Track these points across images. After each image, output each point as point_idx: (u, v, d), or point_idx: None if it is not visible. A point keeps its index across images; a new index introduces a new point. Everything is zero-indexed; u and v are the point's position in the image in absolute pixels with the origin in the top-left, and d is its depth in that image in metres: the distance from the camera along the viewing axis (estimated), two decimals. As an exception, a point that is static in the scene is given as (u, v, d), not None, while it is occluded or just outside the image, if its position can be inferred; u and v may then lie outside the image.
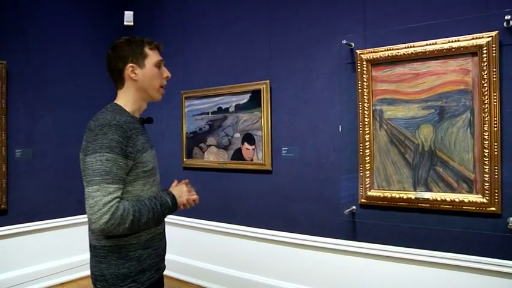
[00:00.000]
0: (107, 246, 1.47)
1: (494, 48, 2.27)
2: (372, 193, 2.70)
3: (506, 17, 2.21)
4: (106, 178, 1.35)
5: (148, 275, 1.54)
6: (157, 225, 1.58)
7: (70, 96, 3.93)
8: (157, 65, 1.63)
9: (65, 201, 3.83)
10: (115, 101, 1.60)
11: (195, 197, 1.71)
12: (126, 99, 1.59)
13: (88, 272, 3.72)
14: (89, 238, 1.55)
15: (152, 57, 1.61)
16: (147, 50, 1.60)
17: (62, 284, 3.73)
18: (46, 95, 3.77)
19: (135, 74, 1.57)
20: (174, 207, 1.59)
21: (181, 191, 1.66)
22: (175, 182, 1.75)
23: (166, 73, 1.68)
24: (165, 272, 1.75)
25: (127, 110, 1.57)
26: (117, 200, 1.35)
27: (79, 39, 4.02)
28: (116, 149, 1.38)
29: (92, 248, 1.53)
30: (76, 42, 4.00)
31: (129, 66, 1.56)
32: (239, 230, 3.41)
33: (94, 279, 1.52)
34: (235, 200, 3.48)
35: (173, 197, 1.59)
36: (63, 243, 3.81)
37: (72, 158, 3.84)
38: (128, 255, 1.48)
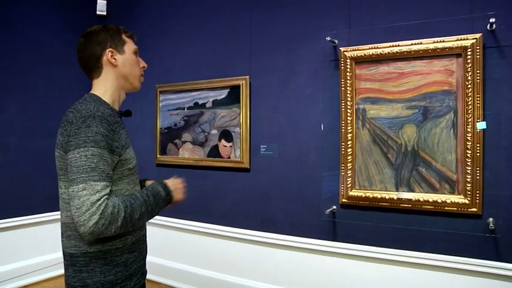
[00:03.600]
0: (90, 252, 1.33)
1: (478, 50, 2.28)
2: (354, 193, 2.67)
3: (491, 20, 2.22)
4: (92, 175, 1.23)
5: (134, 280, 1.44)
6: (150, 219, 1.45)
7: (37, 86, 3.69)
8: (135, 53, 1.56)
9: (31, 198, 3.59)
10: (91, 92, 1.46)
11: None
12: (105, 89, 1.46)
13: (53, 273, 3.57)
14: (63, 245, 1.39)
15: (130, 44, 1.54)
16: (124, 37, 1.53)
17: (26, 286, 3.48)
18: (10, 83, 3.51)
19: (115, 59, 1.46)
20: (168, 197, 1.48)
21: (176, 185, 1.56)
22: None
23: (143, 63, 1.61)
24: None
25: (106, 100, 1.44)
26: (105, 197, 1.23)
27: (47, 27, 3.78)
28: (101, 143, 1.26)
29: (68, 256, 1.37)
30: (44, 30, 3.75)
31: (109, 51, 1.45)
32: (215, 229, 3.30)
33: None
34: (211, 198, 3.37)
35: (165, 186, 1.48)
36: (27, 242, 3.57)
37: (39, 151, 3.64)
38: (114, 261, 1.36)
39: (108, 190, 1.25)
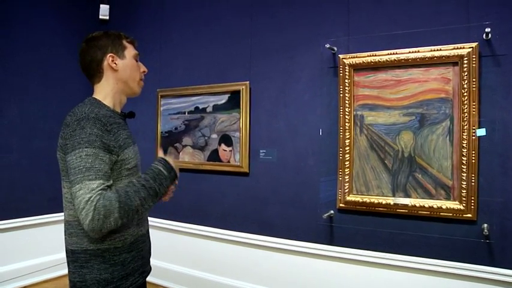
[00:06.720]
0: (90, 250, 1.36)
1: (474, 59, 2.33)
2: (351, 198, 2.71)
3: (486, 30, 2.26)
4: (87, 175, 1.25)
5: (131, 279, 1.45)
6: (156, 201, 1.45)
7: (39, 88, 3.73)
8: (135, 59, 1.60)
9: (32, 200, 3.62)
10: (93, 96, 1.51)
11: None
12: (105, 92, 1.50)
13: (54, 274, 3.60)
14: (66, 243, 1.44)
15: (130, 49, 1.58)
16: (125, 42, 1.57)
17: (26, 287, 3.50)
18: (12, 85, 3.53)
19: (116, 64, 1.50)
20: (172, 174, 1.49)
21: (174, 161, 1.55)
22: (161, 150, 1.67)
23: (143, 68, 1.64)
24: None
25: (106, 103, 1.48)
26: (98, 193, 1.24)
27: (50, 31, 3.83)
28: (96, 143, 1.29)
29: (70, 253, 1.41)
30: (47, 34, 3.80)
31: (109, 56, 1.49)
32: (214, 232, 3.33)
33: (73, 286, 1.40)
34: (210, 201, 3.41)
35: (166, 163, 1.48)
36: (28, 243, 3.59)
37: (40, 153, 3.68)
38: (112, 260, 1.39)
39: (103, 186, 1.27)
